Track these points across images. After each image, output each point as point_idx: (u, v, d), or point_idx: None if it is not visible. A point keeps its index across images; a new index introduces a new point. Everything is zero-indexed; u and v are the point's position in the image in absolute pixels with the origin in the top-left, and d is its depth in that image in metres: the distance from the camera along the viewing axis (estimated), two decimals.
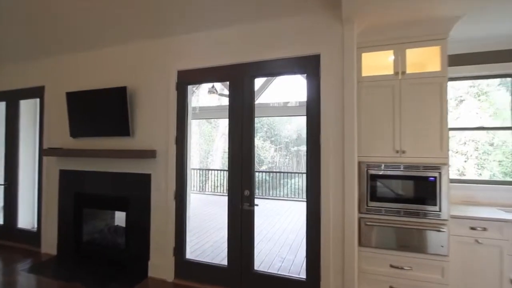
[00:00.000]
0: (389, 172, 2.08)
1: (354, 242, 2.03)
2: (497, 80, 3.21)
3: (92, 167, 3.02)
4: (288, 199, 8.19)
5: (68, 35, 2.94)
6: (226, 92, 5.63)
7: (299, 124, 12.89)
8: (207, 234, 4.39)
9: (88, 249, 3.09)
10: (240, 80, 2.39)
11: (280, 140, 13.09)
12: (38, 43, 3.15)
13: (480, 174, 3.41)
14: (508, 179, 2.92)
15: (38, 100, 3.46)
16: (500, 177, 3.22)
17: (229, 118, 2.49)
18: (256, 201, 2.41)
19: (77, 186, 3.11)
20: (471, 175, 3.12)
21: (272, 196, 8.47)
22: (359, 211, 2.12)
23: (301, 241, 4.11)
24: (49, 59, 3.32)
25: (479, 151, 3.44)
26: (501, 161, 3.35)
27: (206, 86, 6.23)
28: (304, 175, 8.75)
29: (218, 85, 6.19)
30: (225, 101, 5.40)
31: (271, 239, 4.23)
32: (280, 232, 4.60)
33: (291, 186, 8.86)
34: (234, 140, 2.47)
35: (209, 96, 5.65)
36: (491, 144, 3.37)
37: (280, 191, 8.75)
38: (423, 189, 2.01)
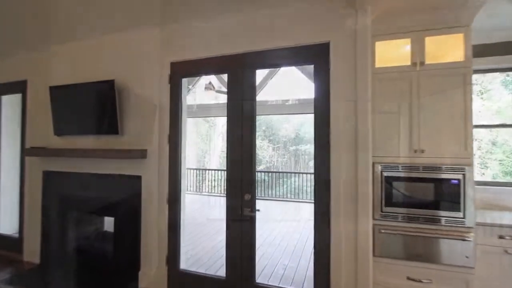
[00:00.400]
0: (406, 174, 1.87)
1: (369, 252, 1.82)
2: (499, 79, 3.11)
3: (78, 168, 2.77)
4: (287, 200, 7.99)
5: (52, 26, 2.70)
6: (224, 89, 5.41)
7: (297, 122, 12.70)
8: (203, 239, 4.16)
9: (74, 257, 2.85)
10: (240, 72, 2.17)
11: (278, 139, 12.90)
12: (19, 34, 2.89)
13: (483, 174, 3.27)
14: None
15: (20, 95, 3.21)
16: (501, 177, 3.09)
17: (227, 115, 2.27)
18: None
19: (62, 189, 2.86)
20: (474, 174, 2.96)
21: (271, 196, 8.27)
22: (373, 217, 1.91)
23: (303, 245, 3.90)
24: (32, 51, 3.05)
25: (482, 150, 3.30)
26: (501, 160, 3.23)
27: (203, 83, 5.99)
28: (303, 175, 8.65)
29: (216, 82, 5.95)
30: (223, 99, 5.18)
31: (271, 243, 4.01)
32: (280, 236, 4.39)
33: (290, 186, 8.66)
34: (233, 139, 2.24)
35: (206, 93, 5.41)
36: (494, 143, 3.24)
37: (278, 191, 8.55)
38: (444, 193, 1.80)
